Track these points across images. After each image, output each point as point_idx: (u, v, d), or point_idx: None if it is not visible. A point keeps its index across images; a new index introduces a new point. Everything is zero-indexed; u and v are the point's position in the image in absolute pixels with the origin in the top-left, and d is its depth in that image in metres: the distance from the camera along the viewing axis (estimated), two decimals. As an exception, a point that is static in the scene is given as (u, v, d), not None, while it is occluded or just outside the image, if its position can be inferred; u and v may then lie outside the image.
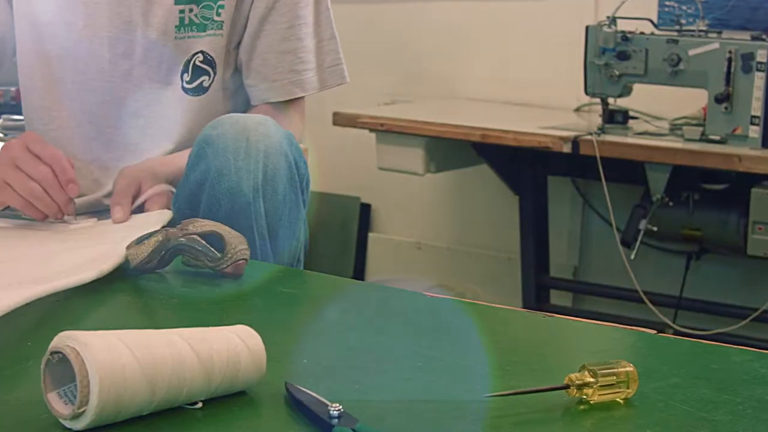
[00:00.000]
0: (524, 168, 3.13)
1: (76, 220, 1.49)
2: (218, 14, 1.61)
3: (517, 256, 3.31)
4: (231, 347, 0.87)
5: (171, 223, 1.39)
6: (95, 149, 1.66)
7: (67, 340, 0.79)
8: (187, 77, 1.63)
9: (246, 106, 1.73)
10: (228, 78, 1.68)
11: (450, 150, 3.17)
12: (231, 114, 1.50)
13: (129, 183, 1.51)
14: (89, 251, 1.32)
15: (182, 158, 1.52)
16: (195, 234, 1.25)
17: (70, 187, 1.44)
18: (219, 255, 1.24)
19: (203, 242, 1.25)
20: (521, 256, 3.25)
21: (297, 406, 0.85)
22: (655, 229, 2.76)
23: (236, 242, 1.24)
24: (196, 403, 0.85)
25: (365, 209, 4.07)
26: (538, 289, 3.21)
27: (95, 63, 1.63)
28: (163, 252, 1.25)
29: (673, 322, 2.87)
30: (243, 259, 1.24)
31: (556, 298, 3.35)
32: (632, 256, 2.75)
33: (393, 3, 3.82)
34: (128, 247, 1.26)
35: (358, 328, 1.11)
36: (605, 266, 3.34)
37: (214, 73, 1.65)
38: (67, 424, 0.79)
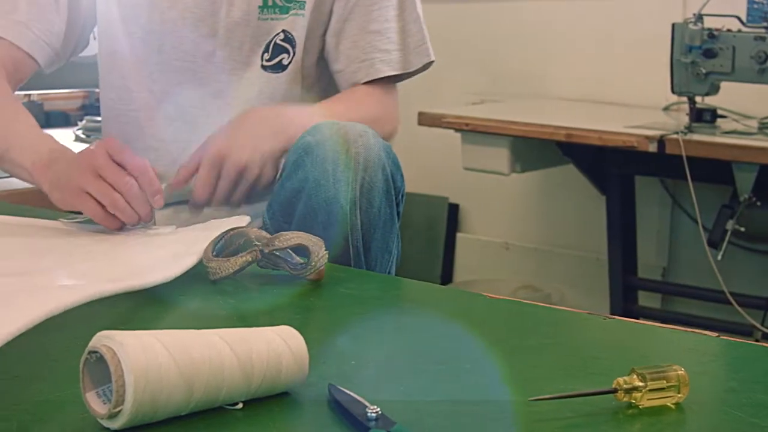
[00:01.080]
0: (610, 168, 3.09)
1: (155, 227, 1.48)
2: None
3: (605, 257, 3.27)
4: (272, 348, 0.86)
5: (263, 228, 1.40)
6: (175, 130, 1.69)
7: (104, 339, 0.79)
8: (266, 56, 1.66)
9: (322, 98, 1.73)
10: (309, 64, 1.70)
11: (535, 150, 3.14)
12: (331, 121, 1.48)
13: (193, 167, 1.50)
14: (161, 252, 1.32)
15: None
16: (282, 249, 1.24)
17: (156, 199, 1.40)
18: (302, 263, 1.23)
19: (288, 252, 1.24)
20: (608, 256, 3.21)
21: (337, 407, 0.84)
22: (742, 229, 2.70)
23: (318, 249, 1.23)
24: (236, 403, 0.84)
25: (453, 209, 4.06)
26: (625, 291, 3.17)
27: (178, 43, 1.65)
28: (246, 267, 1.25)
29: (762, 324, 2.81)
30: (324, 264, 1.23)
31: (645, 299, 3.30)
32: (719, 257, 2.69)
33: (484, 2, 3.80)
34: (209, 260, 1.25)
35: (413, 329, 1.10)
36: (694, 267, 3.28)
37: (294, 52, 1.67)
38: (105, 423, 0.79)
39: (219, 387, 0.82)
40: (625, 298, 3.16)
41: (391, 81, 1.75)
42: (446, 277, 4.06)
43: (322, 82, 1.75)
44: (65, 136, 2.43)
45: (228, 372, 0.82)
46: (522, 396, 0.87)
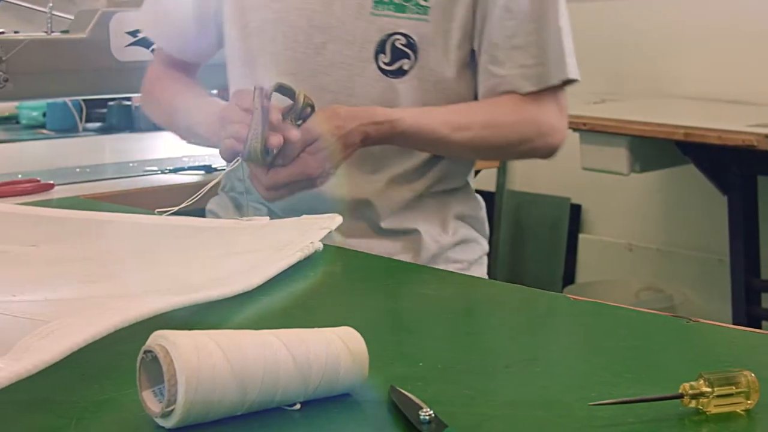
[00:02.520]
0: (731, 167, 3.02)
1: (250, 217, 1.51)
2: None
3: (727, 259, 3.20)
4: (330, 350, 0.86)
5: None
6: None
7: (159, 338, 0.80)
8: (384, 58, 1.64)
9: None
10: (438, 72, 1.67)
11: (654, 149, 3.09)
12: None
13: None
14: (248, 258, 1.32)
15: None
16: None
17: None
18: None
19: None
20: (730, 258, 3.13)
21: (394, 410, 0.84)
22: None
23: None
24: (294, 404, 0.84)
25: (575, 210, 4.02)
26: (747, 292, 3.09)
27: (292, 35, 1.66)
28: None
29: None
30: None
31: (768, 301, 3.22)
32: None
33: (604, 1, 3.76)
34: None
35: (488, 331, 1.09)
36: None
37: (416, 59, 1.65)
38: (159, 422, 0.79)
39: (274, 388, 0.82)
40: (747, 301, 3.09)
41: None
42: (568, 279, 4.03)
43: (454, 93, 1.72)
44: (178, 139, 2.46)
45: (284, 373, 0.82)
46: (587, 400, 0.85)
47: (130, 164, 2.19)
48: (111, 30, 1.99)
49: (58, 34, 1.95)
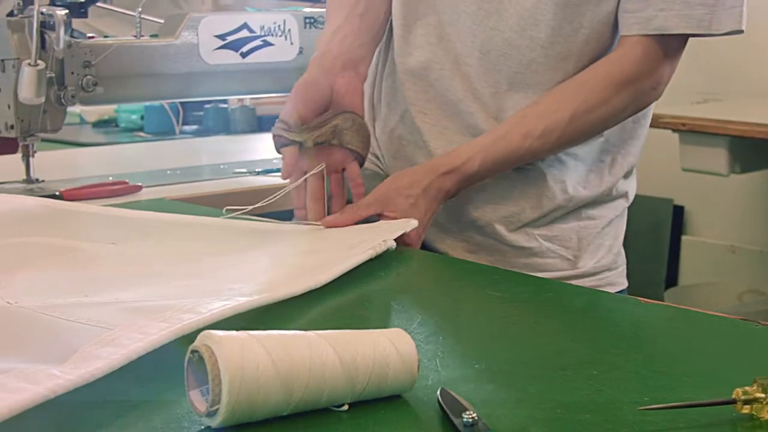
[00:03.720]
0: (834, 168, 2.96)
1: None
2: None
3: (833, 261, 3.14)
4: (378, 351, 0.86)
5: None
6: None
7: (205, 338, 0.80)
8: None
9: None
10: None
11: (756, 150, 3.03)
12: None
13: (376, 203, 1.50)
14: (321, 256, 1.33)
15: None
16: None
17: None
18: None
19: None
20: (834, 261, 3.07)
21: (442, 412, 0.84)
22: None
23: None
24: (342, 405, 0.84)
25: (678, 211, 3.96)
26: None
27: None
28: None
29: None
30: None
31: None
32: None
33: None
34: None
35: (550, 333, 1.08)
36: None
37: None
38: (205, 421, 0.80)
39: (320, 389, 0.82)
40: None
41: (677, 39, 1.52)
42: (671, 281, 3.97)
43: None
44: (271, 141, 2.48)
45: (330, 374, 0.82)
46: (640, 404, 0.84)
47: (221, 166, 2.22)
48: (200, 33, 2.01)
49: (147, 38, 1.97)
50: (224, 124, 2.89)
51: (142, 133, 2.84)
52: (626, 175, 1.66)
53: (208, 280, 1.24)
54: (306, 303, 1.14)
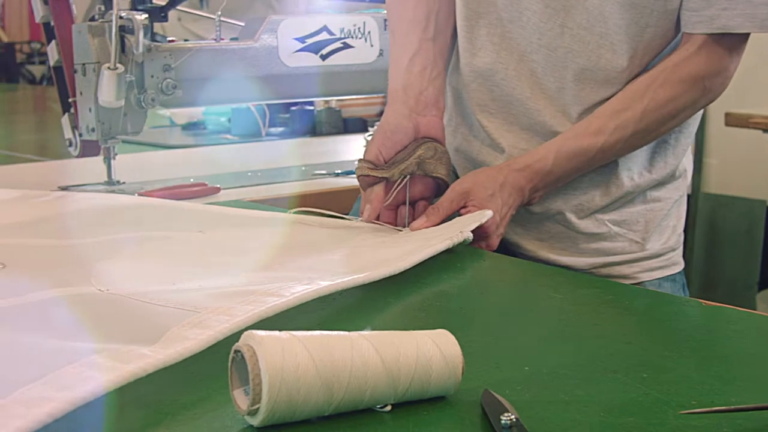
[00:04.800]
0: None
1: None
2: None
3: None
4: (422, 352, 0.86)
5: None
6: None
7: (247, 338, 0.81)
8: None
9: None
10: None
11: None
12: None
13: (458, 197, 1.51)
14: (394, 249, 1.34)
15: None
16: None
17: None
18: None
19: None
20: None
21: (483, 413, 0.84)
22: None
23: None
24: (385, 405, 0.85)
25: (771, 212, 3.90)
26: None
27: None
28: None
29: None
30: None
31: None
32: None
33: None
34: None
35: (607, 335, 1.07)
36: None
37: None
38: (248, 420, 0.81)
39: (362, 389, 0.83)
40: None
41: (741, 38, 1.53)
42: (765, 282, 3.91)
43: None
44: (358, 142, 2.50)
45: (371, 375, 0.83)
46: (686, 408, 0.83)
47: (302, 168, 2.23)
48: (279, 36, 2.03)
49: (227, 41, 2.00)
50: (310, 125, 2.91)
51: (228, 136, 2.87)
52: (686, 154, 1.68)
53: (291, 270, 1.26)
54: (367, 303, 1.15)
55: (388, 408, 0.85)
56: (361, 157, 1.57)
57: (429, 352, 0.86)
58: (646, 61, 1.55)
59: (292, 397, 0.80)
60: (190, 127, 3.06)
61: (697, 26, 1.48)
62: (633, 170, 1.61)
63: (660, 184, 1.65)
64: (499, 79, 1.61)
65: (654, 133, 1.55)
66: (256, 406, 0.80)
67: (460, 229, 1.37)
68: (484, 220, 1.42)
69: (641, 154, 1.61)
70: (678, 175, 1.67)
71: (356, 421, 0.83)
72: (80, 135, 1.89)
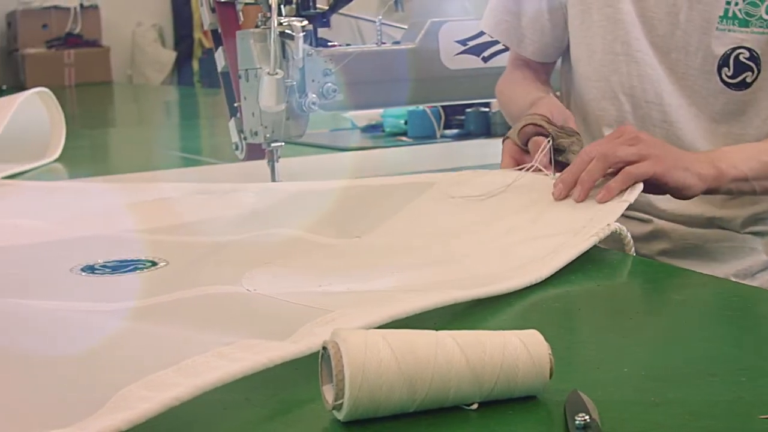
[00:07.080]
0: None
1: None
2: (766, 12, 1.60)
3: None
4: (508, 352, 0.87)
5: None
6: (627, 122, 1.72)
7: (334, 335, 0.85)
8: (727, 71, 1.63)
9: None
10: None
11: None
12: None
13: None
14: (544, 244, 1.33)
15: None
16: None
17: None
18: None
19: None
20: None
21: (564, 413, 0.84)
22: None
23: None
24: (472, 403, 0.87)
25: None
26: None
27: (632, 40, 1.70)
28: None
29: None
30: None
31: None
32: None
33: None
34: None
35: (715, 337, 1.06)
36: None
37: (758, 70, 1.63)
38: (335, 414, 0.84)
39: (446, 387, 0.85)
40: None
41: None
42: None
43: None
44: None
45: (455, 373, 0.85)
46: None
47: (474, 169, 2.25)
48: (440, 39, 2.06)
49: (389, 45, 2.04)
50: (485, 127, 2.92)
51: (405, 138, 2.91)
52: None
53: (434, 270, 1.30)
54: (488, 305, 1.16)
55: (475, 406, 0.86)
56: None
57: (516, 352, 0.87)
58: None
59: (374, 392, 0.82)
60: (369, 129, 3.11)
61: None
62: None
63: None
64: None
65: None
66: (340, 401, 0.83)
67: (608, 221, 1.32)
68: (632, 200, 1.35)
69: None
70: None
71: (441, 419, 0.84)
72: (245, 139, 1.96)
